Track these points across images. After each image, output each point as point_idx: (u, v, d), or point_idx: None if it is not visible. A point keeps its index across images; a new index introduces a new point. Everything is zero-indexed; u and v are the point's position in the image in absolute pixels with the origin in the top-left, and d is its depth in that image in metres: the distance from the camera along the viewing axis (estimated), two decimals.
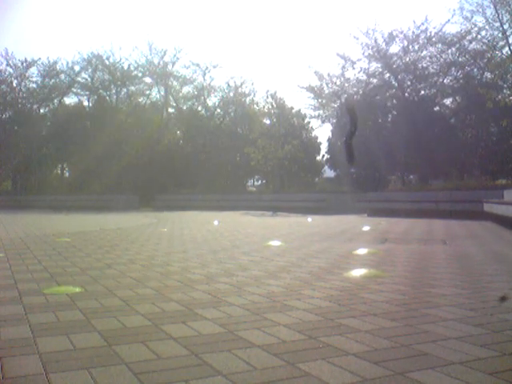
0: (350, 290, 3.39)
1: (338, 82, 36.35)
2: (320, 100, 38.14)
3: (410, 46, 33.00)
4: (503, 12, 26.76)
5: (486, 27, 28.74)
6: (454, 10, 40.43)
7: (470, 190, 16.21)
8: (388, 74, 34.67)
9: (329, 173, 38.34)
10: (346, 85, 36.15)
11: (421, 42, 32.59)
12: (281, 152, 28.46)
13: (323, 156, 37.36)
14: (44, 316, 2.66)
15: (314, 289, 3.44)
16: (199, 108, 41.72)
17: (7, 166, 36.66)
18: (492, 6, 26.87)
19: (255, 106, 40.05)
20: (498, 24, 27.66)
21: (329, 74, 36.28)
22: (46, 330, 2.37)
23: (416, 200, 16.99)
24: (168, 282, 3.80)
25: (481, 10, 27.84)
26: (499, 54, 29.39)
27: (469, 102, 30.40)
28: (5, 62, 37.48)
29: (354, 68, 35.25)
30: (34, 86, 39.13)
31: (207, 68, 39.91)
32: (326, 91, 37.12)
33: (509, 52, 27.75)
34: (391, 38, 33.02)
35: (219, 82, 42.06)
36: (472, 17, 28.52)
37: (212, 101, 41.58)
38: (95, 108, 39.28)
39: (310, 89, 37.21)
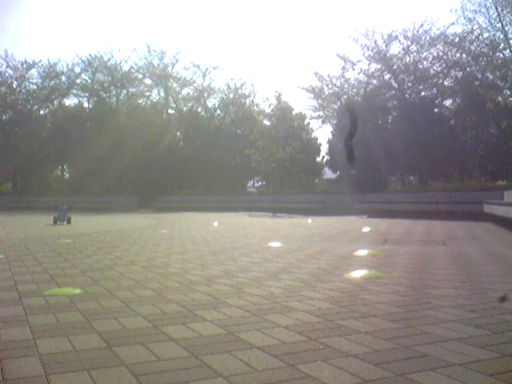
0: (350, 292, 3.39)
1: (338, 83, 36.40)
2: (320, 101, 38.18)
3: (411, 47, 33.03)
4: (505, 13, 26.71)
5: (488, 27, 28.73)
6: (456, 10, 40.37)
7: (470, 191, 16.19)
8: (388, 75, 34.69)
9: (329, 174, 38.35)
10: (346, 86, 36.20)
11: (421, 42, 32.60)
12: (281, 153, 28.46)
13: (323, 157, 37.40)
14: (44, 317, 2.66)
15: (314, 290, 3.44)
16: (199, 109, 41.76)
17: (7, 167, 36.66)
18: (494, 7, 26.85)
19: (255, 107, 40.10)
20: (499, 25, 27.65)
21: (329, 75, 36.34)
22: (46, 332, 2.37)
23: (416, 201, 16.98)
24: (168, 283, 3.80)
25: (483, 10, 27.83)
26: (501, 56, 29.38)
27: (469, 103, 30.39)
28: (5, 64, 37.59)
29: (354, 69, 35.31)
30: (34, 87, 39.20)
31: (207, 69, 40.01)
32: (326, 92, 37.15)
33: (510, 53, 27.72)
34: (391, 39, 33.05)
35: (219, 84, 42.05)
36: (474, 18, 28.51)
37: (212, 102, 41.69)
38: (95, 109, 39.28)
39: (311, 90, 37.24)
